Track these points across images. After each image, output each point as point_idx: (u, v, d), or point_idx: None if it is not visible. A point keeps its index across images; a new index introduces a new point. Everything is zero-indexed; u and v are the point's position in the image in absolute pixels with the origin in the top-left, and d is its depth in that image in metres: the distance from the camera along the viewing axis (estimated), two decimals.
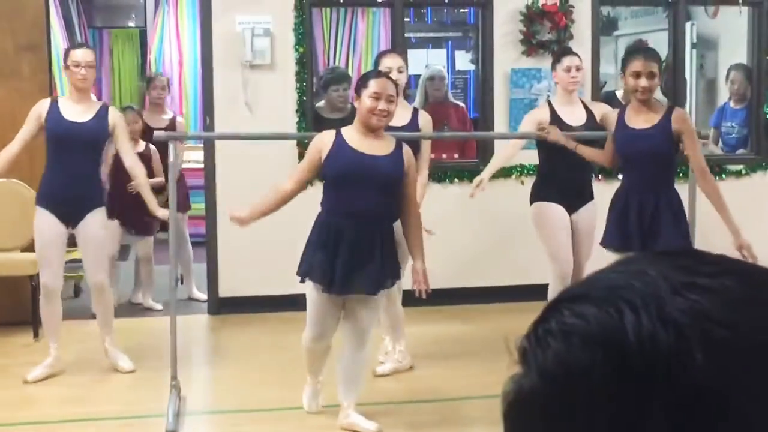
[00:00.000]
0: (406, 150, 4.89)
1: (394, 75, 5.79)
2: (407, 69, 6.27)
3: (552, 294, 6.38)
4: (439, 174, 7.60)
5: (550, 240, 6.26)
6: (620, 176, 5.79)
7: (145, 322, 7.55)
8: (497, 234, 7.82)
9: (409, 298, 6.07)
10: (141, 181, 6.07)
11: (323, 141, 4.84)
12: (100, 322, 6.16)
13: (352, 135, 4.82)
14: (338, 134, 4.83)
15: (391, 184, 4.81)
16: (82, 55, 5.96)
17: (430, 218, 7.61)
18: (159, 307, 7.72)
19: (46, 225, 5.86)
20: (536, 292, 7.35)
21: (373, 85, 4.77)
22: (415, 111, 6.14)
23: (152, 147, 7.59)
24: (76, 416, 5.49)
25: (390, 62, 5.98)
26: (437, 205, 7.71)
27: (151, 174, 7.62)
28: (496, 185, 7.55)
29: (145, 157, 7.26)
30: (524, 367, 0.84)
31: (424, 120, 6.07)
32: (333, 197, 4.80)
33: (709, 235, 6.78)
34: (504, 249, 7.84)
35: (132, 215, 7.24)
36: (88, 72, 5.92)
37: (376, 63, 6.12)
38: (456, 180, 7.73)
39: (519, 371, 0.86)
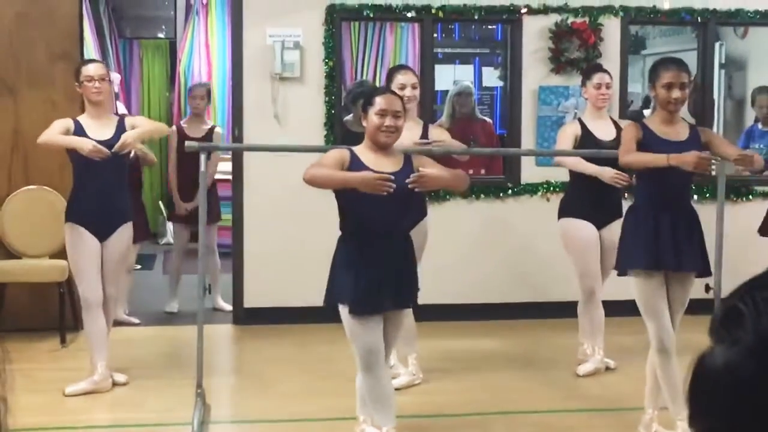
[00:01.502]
0: (415, 158, 4.90)
1: (408, 91, 5.81)
2: (420, 85, 6.25)
3: (582, 309, 6.39)
4: (466, 190, 7.62)
5: (579, 256, 6.29)
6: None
7: (170, 331, 7.61)
8: (521, 250, 7.83)
9: (421, 313, 6.11)
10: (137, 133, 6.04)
11: (343, 157, 4.80)
12: (86, 340, 6.09)
13: (364, 153, 4.79)
14: (351, 153, 4.80)
15: (407, 198, 4.83)
16: (94, 69, 6.02)
17: (454, 234, 7.67)
18: (135, 320, 7.73)
19: (80, 239, 5.90)
20: (554, 309, 7.42)
21: (379, 102, 4.76)
22: (426, 126, 6.16)
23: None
24: (101, 422, 5.55)
25: (403, 79, 6.00)
26: (463, 220, 7.75)
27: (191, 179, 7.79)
28: (522, 201, 7.59)
29: (133, 163, 7.40)
30: (738, 334, 0.88)
31: (436, 135, 6.09)
32: (353, 218, 4.75)
33: (735, 254, 6.80)
34: (526, 266, 7.86)
35: None
36: (102, 85, 5.97)
37: (389, 79, 6.13)
38: (482, 196, 7.76)
39: (721, 343, 0.91)
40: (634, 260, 5.04)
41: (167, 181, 8.58)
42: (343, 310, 4.72)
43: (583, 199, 6.26)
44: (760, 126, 8.35)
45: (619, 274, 5.22)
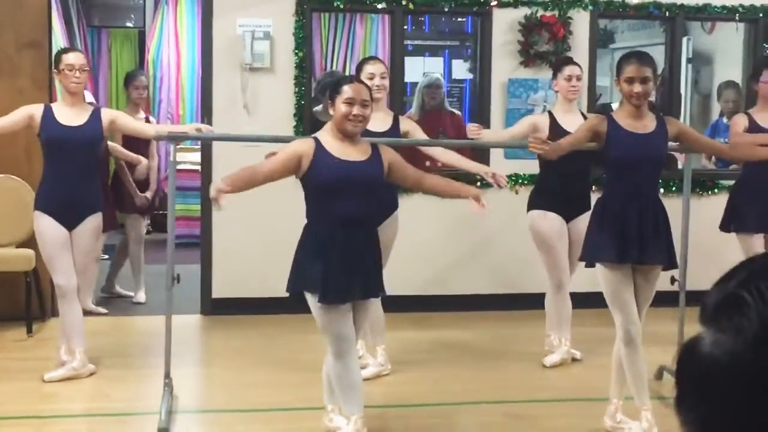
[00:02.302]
0: (382, 148, 4.90)
1: (377, 81, 5.83)
2: (389, 77, 6.27)
3: (549, 301, 6.44)
4: None
5: (547, 249, 6.34)
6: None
7: (137, 321, 7.59)
8: (489, 243, 7.87)
9: (390, 304, 6.14)
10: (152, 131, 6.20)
11: (304, 148, 4.74)
12: (62, 328, 6.07)
13: (330, 142, 4.78)
14: (316, 142, 4.79)
15: (374, 188, 4.84)
16: (75, 58, 5.98)
17: (423, 225, 7.70)
18: (103, 310, 7.74)
19: (49, 228, 5.88)
20: (522, 301, 7.47)
21: (347, 90, 4.76)
22: (397, 117, 6.17)
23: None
24: (67, 412, 5.53)
25: (372, 68, 6.03)
26: (431, 212, 7.78)
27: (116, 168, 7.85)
28: (491, 193, 7.63)
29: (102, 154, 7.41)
30: (741, 323, 0.89)
31: (406, 126, 6.11)
32: (320, 207, 4.74)
33: (700, 247, 6.87)
34: (494, 258, 7.90)
35: None
36: (81, 75, 5.95)
37: (358, 70, 6.15)
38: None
39: (721, 332, 0.90)
40: (601, 252, 5.08)
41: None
42: (312, 299, 4.72)
43: (552, 192, 6.30)
44: (725, 120, 8.42)
45: (586, 266, 5.26)
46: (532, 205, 6.43)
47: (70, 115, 5.92)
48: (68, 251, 5.91)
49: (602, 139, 5.10)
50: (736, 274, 0.95)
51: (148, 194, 8.11)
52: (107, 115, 6.07)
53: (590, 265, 5.19)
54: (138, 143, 7.75)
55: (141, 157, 7.96)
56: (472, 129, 6.25)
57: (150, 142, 8.01)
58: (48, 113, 5.91)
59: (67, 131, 5.85)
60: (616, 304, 5.03)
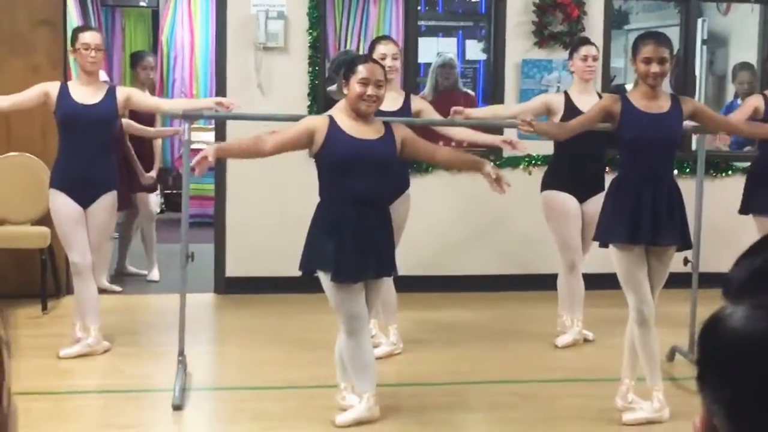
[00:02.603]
0: (395, 126, 4.94)
1: (388, 62, 5.82)
2: (402, 57, 6.27)
3: (562, 282, 6.45)
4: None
5: (560, 229, 6.34)
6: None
7: (151, 299, 7.63)
8: (502, 224, 7.88)
9: (402, 284, 6.17)
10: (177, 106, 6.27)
11: (317, 125, 4.80)
12: (77, 305, 6.12)
13: (344, 120, 4.81)
14: (331, 120, 4.82)
15: (387, 166, 4.87)
16: (91, 37, 6.00)
17: (436, 206, 7.71)
18: (117, 288, 7.79)
19: (64, 206, 5.92)
20: (534, 282, 7.47)
21: (361, 70, 4.78)
22: (408, 96, 6.18)
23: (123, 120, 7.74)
24: (82, 388, 5.57)
25: (384, 49, 6.03)
26: (444, 193, 7.79)
27: (146, 150, 7.82)
28: (504, 174, 7.62)
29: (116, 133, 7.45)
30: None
31: (418, 105, 6.12)
32: (333, 185, 4.78)
33: (714, 229, 6.86)
34: (507, 239, 7.91)
35: None
36: (97, 54, 5.98)
37: (371, 49, 6.16)
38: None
39: (748, 306, 0.89)
40: (614, 233, 5.09)
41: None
42: (325, 278, 4.75)
43: (565, 173, 6.30)
44: (739, 101, 8.39)
45: (600, 246, 5.26)
46: (546, 185, 6.43)
47: (85, 93, 5.94)
48: (83, 228, 5.94)
49: (616, 120, 5.09)
50: (760, 250, 0.93)
51: (153, 173, 8.14)
52: (122, 93, 6.10)
53: (604, 245, 5.19)
54: (142, 122, 7.78)
55: (154, 129, 7.98)
56: (455, 110, 6.16)
57: (155, 121, 8.06)
58: (64, 91, 5.94)
59: (82, 109, 5.88)
60: (630, 284, 5.04)
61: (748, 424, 0.89)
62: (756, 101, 6.56)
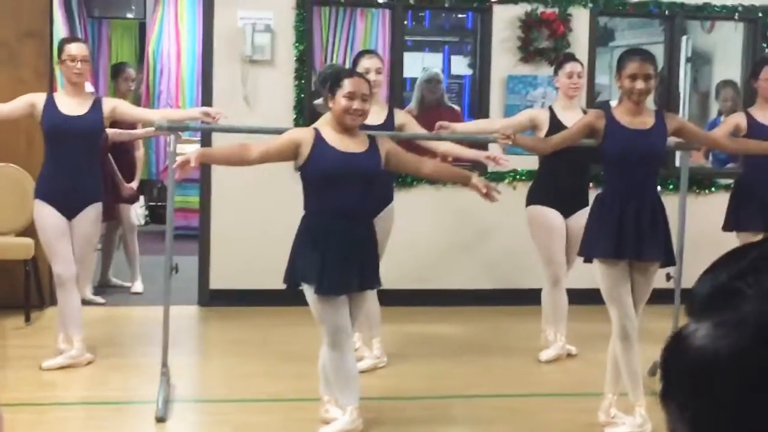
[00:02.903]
0: (380, 140, 4.97)
1: (372, 76, 5.84)
2: (389, 72, 6.32)
3: (546, 296, 6.47)
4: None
5: (545, 244, 6.37)
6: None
7: (134, 311, 7.62)
8: (486, 238, 7.90)
9: (387, 298, 6.18)
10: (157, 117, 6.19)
11: (303, 137, 4.82)
12: (60, 316, 6.11)
13: (329, 134, 4.83)
14: (316, 133, 4.85)
15: (372, 179, 4.90)
16: (77, 49, 6.02)
17: (420, 220, 7.73)
18: (101, 300, 7.79)
19: (49, 217, 5.92)
20: (517, 297, 7.50)
21: (347, 84, 4.81)
22: (391, 110, 6.20)
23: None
24: (66, 400, 5.56)
25: (368, 63, 6.06)
26: (429, 207, 7.81)
27: (127, 161, 7.79)
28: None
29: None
30: (737, 314, 0.87)
31: (402, 119, 6.15)
32: (318, 198, 4.79)
33: (697, 245, 6.90)
34: (491, 254, 7.93)
35: None
36: (83, 66, 6.00)
37: (354, 63, 6.19)
38: (449, 183, 7.77)
39: (711, 323, 0.89)
40: (598, 248, 5.11)
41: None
42: (309, 290, 4.76)
43: (551, 187, 6.33)
44: (722, 119, 8.45)
45: (584, 261, 5.28)
46: (531, 199, 6.46)
47: (71, 104, 5.95)
48: (67, 240, 5.94)
49: (600, 136, 5.11)
50: (724, 266, 0.92)
51: (134, 184, 8.15)
52: (108, 104, 6.11)
53: (588, 260, 5.22)
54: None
55: (141, 131, 7.96)
56: (440, 125, 6.19)
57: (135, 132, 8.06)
58: (50, 102, 5.95)
59: (68, 120, 5.89)
60: (612, 299, 5.06)
61: None
62: (737, 119, 6.62)
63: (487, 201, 5.01)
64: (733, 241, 6.56)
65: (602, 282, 5.09)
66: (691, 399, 0.89)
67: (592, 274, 5.17)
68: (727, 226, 6.74)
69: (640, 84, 4.96)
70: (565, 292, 6.41)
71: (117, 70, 8.50)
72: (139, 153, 8.33)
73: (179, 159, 4.78)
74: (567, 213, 6.33)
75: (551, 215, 6.34)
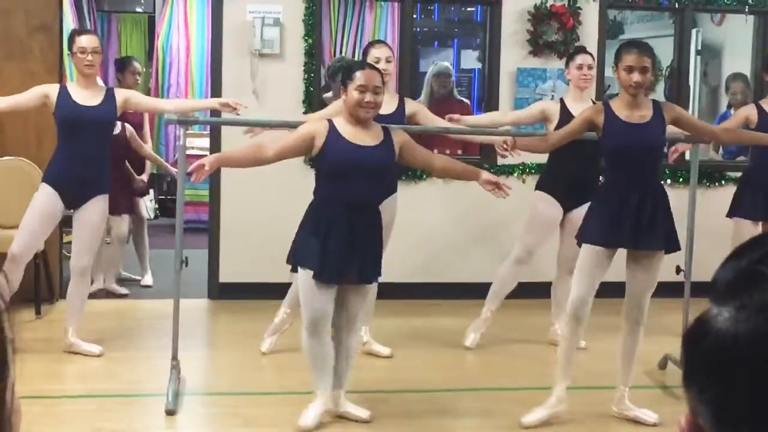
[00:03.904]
0: (394, 131, 4.98)
1: (382, 65, 5.85)
2: (397, 63, 6.34)
3: (509, 275, 6.53)
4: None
5: (529, 226, 6.49)
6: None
7: (144, 304, 7.63)
8: (495, 231, 7.89)
9: (394, 291, 6.18)
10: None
11: (318, 129, 4.85)
12: (70, 308, 6.17)
13: (343, 126, 4.86)
14: (330, 125, 4.87)
15: (383, 173, 4.92)
16: (87, 41, 6.05)
17: (429, 214, 7.72)
18: (124, 291, 7.89)
19: (44, 198, 5.97)
20: (527, 289, 7.48)
21: (359, 77, 4.82)
22: (402, 99, 6.21)
23: (129, 127, 7.78)
24: (76, 392, 5.57)
25: (378, 52, 6.06)
26: (438, 201, 7.80)
27: (131, 153, 7.81)
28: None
29: (121, 138, 7.49)
30: (760, 298, 0.89)
31: (413, 108, 6.16)
32: (328, 187, 4.84)
33: (707, 238, 6.88)
34: (500, 247, 7.91)
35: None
36: (94, 58, 6.03)
37: (365, 54, 6.20)
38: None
39: (733, 308, 0.91)
40: (590, 233, 5.13)
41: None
42: (304, 274, 4.82)
43: (559, 179, 6.38)
44: (732, 112, 8.43)
45: (577, 244, 5.28)
46: (539, 185, 6.57)
47: (85, 95, 6.00)
48: (47, 226, 6.03)
49: (600, 129, 5.10)
50: (747, 252, 0.94)
51: (144, 176, 8.16)
52: (121, 94, 6.15)
53: (579, 243, 5.23)
54: (132, 126, 7.84)
55: (149, 153, 8.05)
56: (450, 117, 6.26)
57: (143, 127, 8.10)
58: (64, 92, 6.00)
59: (82, 111, 5.94)
60: (583, 278, 5.09)
61: (732, 424, 0.91)
62: (748, 111, 6.62)
63: (499, 196, 5.01)
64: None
65: (581, 258, 5.11)
66: (710, 381, 0.92)
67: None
68: (731, 213, 6.80)
69: (636, 76, 4.94)
70: (564, 281, 6.42)
71: (123, 64, 8.51)
72: (148, 146, 8.34)
73: (195, 163, 4.81)
74: (571, 205, 6.35)
75: (548, 203, 6.43)
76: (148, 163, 8.30)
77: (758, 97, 7.28)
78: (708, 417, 0.93)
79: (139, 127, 8.03)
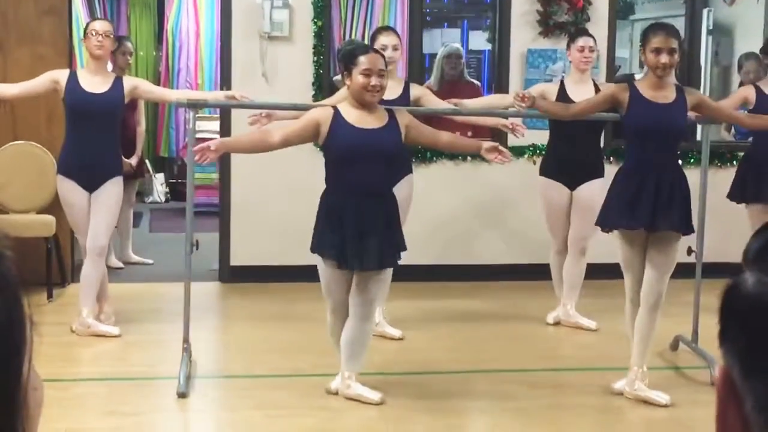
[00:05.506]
0: (399, 113, 5.02)
1: (389, 53, 5.85)
2: (406, 47, 6.36)
3: (553, 265, 6.58)
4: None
5: (547, 217, 6.65)
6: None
7: (156, 287, 7.64)
8: (506, 213, 7.88)
9: (407, 273, 6.18)
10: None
11: (323, 116, 4.89)
12: (86, 289, 6.19)
13: (348, 111, 4.88)
14: (335, 111, 4.89)
15: (391, 156, 4.94)
16: (99, 25, 6.23)
17: (440, 195, 7.71)
18: (149, 261, 8.20)
19: (71, 193, 6.10)
20: (538, 271, 7.48)
21: (363, 61, 4.83)
22: (407, 84, 6.22)
23: None
24: (88, 376, 5.60)
25: (385, 40, 6.07)
26: (449, 182, 7.79)
27: (127, 137, 7.82)
28: (508, 163, 7.63)
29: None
30: None
31: (417, 92, 6.17)
32: (338, 174, 4.87)
33: (718, 219, 6.87)
34: (511, 228, 7.91)
35: None
36: (104, 40, 6.11)
37: (372, 40, 6.20)
38: (468, 158, 7.77)
39: (759, 272, 1.08)
40: (609, 218, 5.22)
41: None
42: (322, 263, 4.92)
43: (560, 158, 6.48)
44: None
45: (602, 230, 5.41)
46: (542, 170, 6.64)
47: (93, 82, 6.09)
48: (86, 210, 6.12)
49: (623, 108, 5.14)
50: None
51: (133, 159, 8.14)
52: (129, 82, 6.26)
53: (604, 230, 5.33)
54: (126, 109, 7.81)
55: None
56: (451, 102, 6.28)
57: (137, 109, 8.11)
58: (72, 78, 6.10)
59: (90, 98, 6.03)
60: (626, 267, 5.22)
61: (757, 374, 1.07)
62: (747, 91, 6.68)
63: (503, 162, 5.18)
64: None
65: (620, 250, 5.22)
66: (740, 335, 1.09)
67: (609, 249, 5.20)
68: (737, 197, 6.78)
69: (664, 58, 5.01)
70: (579, 262, 6.48)
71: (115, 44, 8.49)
72: (140, 129, 8.35)
73: (201, 144, 4.87)
74: (574, 184, 6.44)
75: (552, 190, 6.53)
76: (139, 147, 8.27)
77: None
78: (737, 369, 1.10)
79: (132, 111, 7.97)
